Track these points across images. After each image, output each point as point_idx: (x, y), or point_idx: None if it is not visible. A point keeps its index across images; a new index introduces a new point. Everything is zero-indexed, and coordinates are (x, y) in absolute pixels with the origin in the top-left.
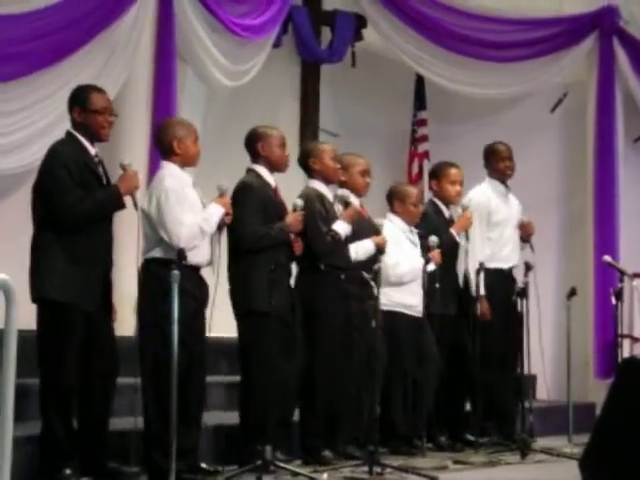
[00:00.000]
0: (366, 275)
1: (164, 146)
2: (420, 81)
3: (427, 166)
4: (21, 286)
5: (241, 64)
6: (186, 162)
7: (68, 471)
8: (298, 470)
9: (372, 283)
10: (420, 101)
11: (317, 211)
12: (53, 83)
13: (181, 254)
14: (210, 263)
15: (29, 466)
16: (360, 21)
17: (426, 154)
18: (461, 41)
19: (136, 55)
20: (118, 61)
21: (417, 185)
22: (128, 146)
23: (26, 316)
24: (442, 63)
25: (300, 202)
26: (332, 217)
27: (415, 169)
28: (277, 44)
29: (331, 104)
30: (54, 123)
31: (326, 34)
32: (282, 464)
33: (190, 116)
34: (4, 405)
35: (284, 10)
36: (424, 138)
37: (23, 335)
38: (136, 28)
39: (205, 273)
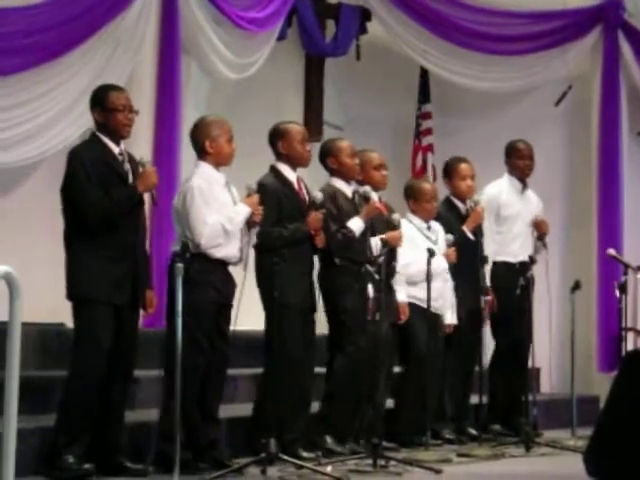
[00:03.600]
0: (370, 268)
1: (197, 146)
2: (424, 74)
3: (431, 159)
4: (23, 280)
5: (245, 57)
6: (220, 161)
7: (71, 459)
8: (302, 463)
9: (376, 276)
10: (424, 94)
11: (327, 209)
12: (57, 76)
13: (185, 247)
14: (240, 261)
15: (33, 458)
16: (364, 14)
17: (430, 147)
18: (465, 34)
19: (141, 48)
20: (123, 54)
21: (421, 177)
22: (132, 139)
23: (30, 309)
24: (446, 56)
25: (320, 195)
26: (347, 214)
27: (419, 162)
28: (281, 37)
29: (335, 97)
30: (57, 117)
31: (330, 27)
32: (286, 457)
33: (194, 109)
34: (9, 396)
35: (288, 3)
36: (428, 131)
37: (25, 328)
38: (141, 21)
39: (235, 270)
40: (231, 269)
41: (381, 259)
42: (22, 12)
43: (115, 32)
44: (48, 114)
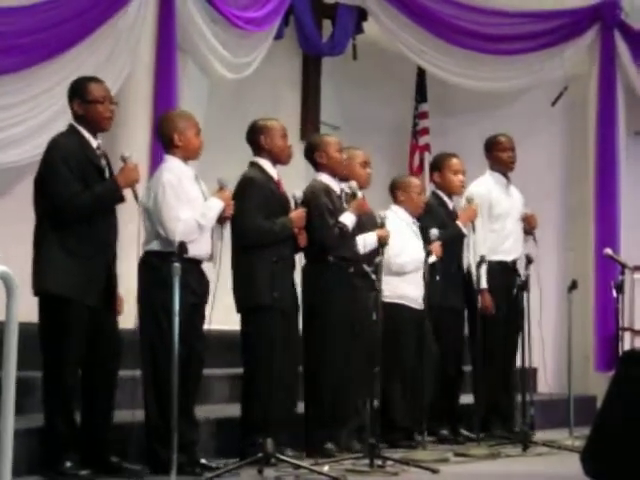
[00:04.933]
0: (367, 268)
1: (165, 139)
2: (421, 74)
3: (428, 159)
4: (21, 280)
5: (242, 56)
6: (188, 155)
7: (69, 464)
8: (299, 463)
9: (373, 276)
10: (421, 94)
11: (323, 204)
12: (54, 76)
13: (182, 247)
14: (211, 257)
15: (29, 459)
16: (361, 14)
17: (427, 147)
18: (462, 34)
19: (138, 48)
20: (120, 54)
21: (418, 177)
22: (129, 138)
23: (27, 309)
24: (443, 56)
25: (299, 194)
26: (338, 209)
27: (416, 162)
28: (278, 36)
29: (332, 97)
30: (55, 116)
31: (327, 27)
32: (283, 457)
33: (191, 109)
34: (6, 397)
35: (285, 2)
36: (425, 131)
37: (24, 328)
38: (138, 21)
39: (206, 267)
40: (204, 266)
41: (378, 258)
42: (19, 12)
43: (112, 31)
44: (45, 114)
